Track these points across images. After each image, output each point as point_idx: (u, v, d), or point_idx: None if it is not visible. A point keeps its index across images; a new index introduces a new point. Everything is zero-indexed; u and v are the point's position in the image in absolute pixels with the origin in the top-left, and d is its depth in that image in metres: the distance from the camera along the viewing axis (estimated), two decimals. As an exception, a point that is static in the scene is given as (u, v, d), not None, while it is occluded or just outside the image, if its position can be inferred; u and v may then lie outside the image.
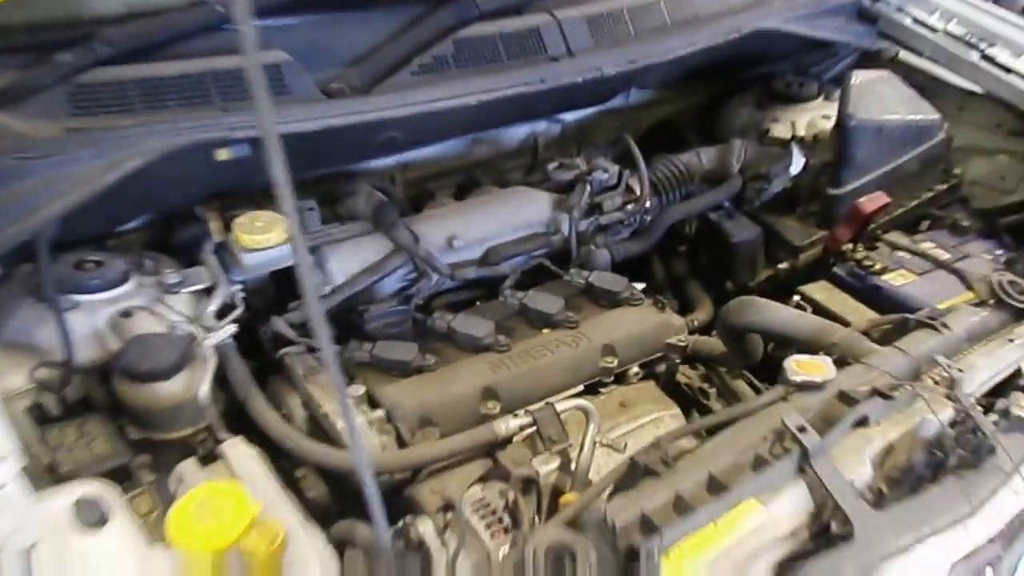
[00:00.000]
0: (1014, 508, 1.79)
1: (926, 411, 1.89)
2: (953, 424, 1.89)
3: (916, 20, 3.21)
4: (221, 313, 2.02)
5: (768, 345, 2.33)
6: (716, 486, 1.67)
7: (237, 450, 1.67)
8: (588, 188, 2.55)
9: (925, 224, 2.89)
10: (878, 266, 2.56)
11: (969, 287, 2.48)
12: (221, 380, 1.89)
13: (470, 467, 1.78)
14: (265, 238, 2.09)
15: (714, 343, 2.27)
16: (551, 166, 2.61)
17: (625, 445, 1.86)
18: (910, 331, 2.19)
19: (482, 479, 1.77)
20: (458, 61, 2.38)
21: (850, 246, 2.68)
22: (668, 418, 2.05)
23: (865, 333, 2.26)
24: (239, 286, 2.13)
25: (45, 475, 1.59)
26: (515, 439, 1.83)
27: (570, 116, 2.91)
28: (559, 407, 1.87)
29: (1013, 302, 2.29)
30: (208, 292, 2.07)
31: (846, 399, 1.88)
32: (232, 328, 1.92)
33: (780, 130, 3.04)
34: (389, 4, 2.37)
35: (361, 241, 2.29)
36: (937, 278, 2.53)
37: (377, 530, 1.31)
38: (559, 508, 1.76)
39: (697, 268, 2.89)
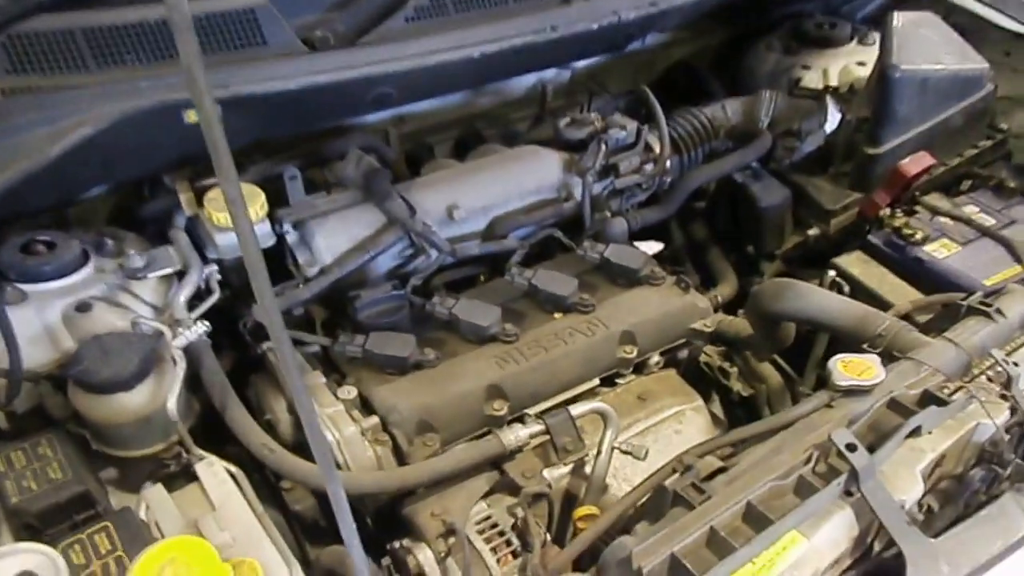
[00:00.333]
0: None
1: (981, 415, 1.70)
2: (1009, 428, 1.71)
3: (958, -50, 2.89)
4: (194, 300, 1.80)
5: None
6: (756, 517, 1.48)
7: (211, 471, 1.47)
8: (603, 147, 2.29)
9: (967, 184, 2.64)
10: (919, 235, 2.33)
11: (1017, 259, 2.29)
12: (195, 380, 1.67)
13: (475, 483, 1.59)
14: (243, 213, 1.85)
15: (740, 324, 2.06)
16: (562, 122, 2.36)
17: (646, 453, 1.67)
18: (959, 317, 1.98)
19: (489, 492, 1.58)
20: (458, 5, 2.11)
21: (887, 211, 2.44)
22: (690, 412, 1.86)
23: (908, 316, 2.07)
24: (214, 267, 1.90)
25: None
26: (525, 448, 1.63)
27: (581, 62, 2.63)
28: (574, 411, 1.67)
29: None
30: (179, 276, 1.84)
31: (898, 408, 1.68)
32: (205, 327, 1.69)
33: (811, 79, 2.76)
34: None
35: (351, 214, 2.05)
36: (982, 249, 2.33)
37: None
38: (572, 521, 1.59)
39: (716, 229, 2.65)
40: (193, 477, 1.47)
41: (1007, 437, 1.68)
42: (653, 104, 2.46)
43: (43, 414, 1.61)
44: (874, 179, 2.51)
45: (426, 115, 2.42)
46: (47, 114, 1.67)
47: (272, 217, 1.96)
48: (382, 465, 1.64)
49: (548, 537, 1.52)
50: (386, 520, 1.63)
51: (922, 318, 2.09)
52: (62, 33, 1.74)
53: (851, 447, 1.53)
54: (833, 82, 2.77)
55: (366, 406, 1.74)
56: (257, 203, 1.92)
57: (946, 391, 1.74)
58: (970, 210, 2.47)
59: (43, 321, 1.65)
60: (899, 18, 2.54)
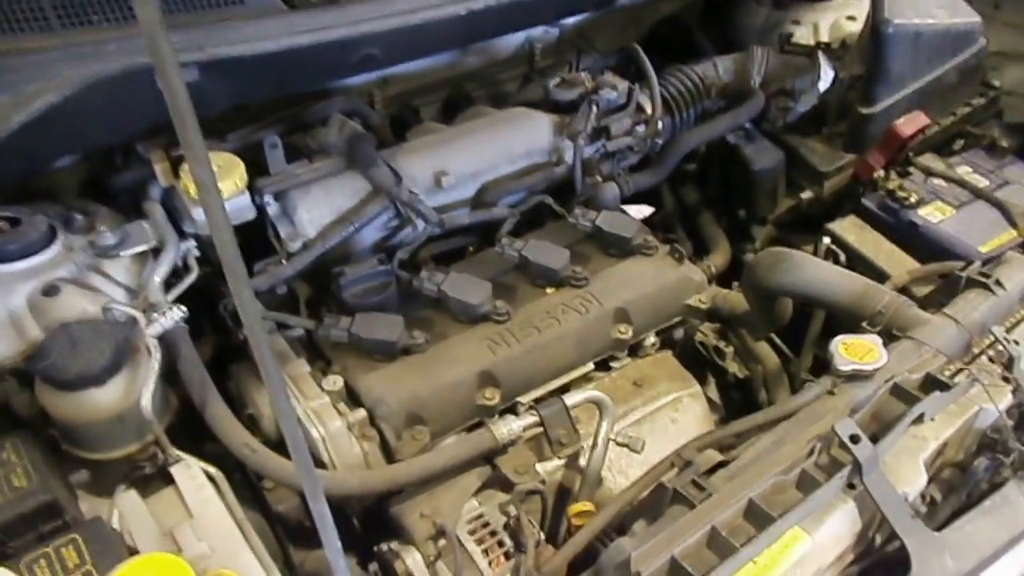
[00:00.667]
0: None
1: (983, 399, 1.57)
2: (1010, 411, 1.58)
3: None
4: (171, 279, 1.61)
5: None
6: (757, 515, 1.34)
7: (188, 475, 1.31)
8: (594, 109, 2.09)
9: (959, 143, 2.47)
10: (913, 198, 2.17)
11: (1012, 223, 2.15)
12: (171, 371, 1.49)
13: (466, 479, 1.44)
14: (222, 187, 1.65)
15: (735, 300, 1.89)
16: (552, 83, 2.15)
17: (642, 445, 1.51)
18: (958, 289, 1.83)
19: (480, 489, 1.43)
20: (444, -40, 1.88)
21: (881, 173, 2.27)
22: (687, 398, 1.70)
23: (905, 289, 1.91)
24: (192, 243, 1.71)
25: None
26: (518, 441, 1.48)
27: (569, 19, 2.40)
28: (569, 401, 1.51)
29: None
30: (154, 253, 1.65)
31: (901, 394, 1.54)
32: (181, 312, 1.51)
33: (802, 34, 2.55)
34: None
35: (334, 183, 1.84)
36: (977, 212, 2.18)
37: None
38: (566, 518, 1.45)
39: (708, 191, 2.47)
40: (169, 479, 1.31)
41: (1010, 423, 1.55)
42: (644, 62, 2.26)
43: (8, 413, 1.42)
44: (868, 139, 2.34)
45: (412, 77, 2.19)
46: (8, 79, 1.48)
47: (252, 188, 1.77)
48: (369, 462, 1.48)
49: (542, 536, 1.37)
50: (374, 520, 1.48)
51: (919, 289, 1.95)
52: (24, -10, 1.53)
53: (854, 438, 1.40)
54: (824, 38, 2.57)
55: (352, 397, 1.57)
56: (236, 174, 1.72)
57: (948, 373, 1.62)
58: (963, 171, 2.32)
59: (6, 307, 1.46)
60: (888, -30, 2.33)
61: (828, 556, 1.37)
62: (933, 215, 2.16)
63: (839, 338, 1.60)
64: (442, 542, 1.33)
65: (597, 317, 1.76)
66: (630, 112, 2.17)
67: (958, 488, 1.54)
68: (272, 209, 1.79)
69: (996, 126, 2.51)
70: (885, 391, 1.54)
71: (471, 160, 1.99)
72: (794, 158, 2.37)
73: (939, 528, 1.42)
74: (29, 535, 1.22)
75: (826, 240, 2.12)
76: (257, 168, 1.79)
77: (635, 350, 1.85)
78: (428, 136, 2.05)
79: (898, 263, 2.06)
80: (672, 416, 1.68)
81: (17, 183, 1.71)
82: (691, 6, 2.71)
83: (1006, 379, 1.63)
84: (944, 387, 1.55)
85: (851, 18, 2.54)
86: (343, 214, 1.82)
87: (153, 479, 1.34)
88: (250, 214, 1.74)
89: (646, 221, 2.06)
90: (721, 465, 1.42)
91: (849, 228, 2.17)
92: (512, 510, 1.37)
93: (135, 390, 1.39)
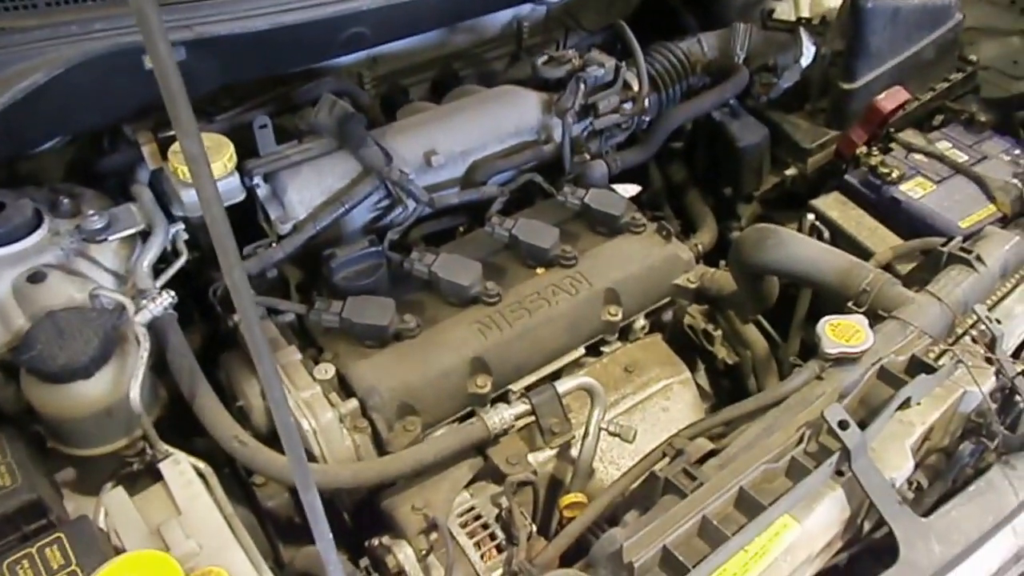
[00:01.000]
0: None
1: (967, 381, 1.48)
2: (993, 393, 1.50)
3: None
4: (159, 264, 1.48)
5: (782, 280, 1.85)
6: (748, 503, 1.25)
7: (177, 471, 1.20)
8: (582, 86, 1.95)
9: (939, 119, 2.34)
10: (895, 173, 2.05)
11: (991, 198, 2.03)
12: (160, 361, 1.37)
13: (457, 471, 1.33)
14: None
15: (723, 280, 1.78)
16: (540, 60, 2.00)
17: (634, 434, 1.41)
18: (940, 265, 1.73)
19: (472, 480, 1.33)
20: (432, -64, 1.73)
21: (863, 149, 2.15)
22: (677, 385, 1.60)
23: (889, 266, 1.81)
24: (181, 226, 1.57)
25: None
26: (510, 431, 1.37)
27: (555, -3, 2.25)
28: (560, 388, 1.40)
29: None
30: (142, 237, 1.52)
31: (887, 378, 1.44)
32: (170, 297, 1.38)
33: (783, 10, 2.40)
34: None
35: (324, 163, 1.70)
36: (957, 187, 2.06)
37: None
38: (558, 509, 1.36)
39: (694, 169, 2.34)
40: (158, 476, 1.19)
41: (993, 406, 1.46)
42: (630, 39, 2.11)
43: (-8, 407, 1.30)
44: (850, 115, 2.21)
45: (401, 56, 2.04)
46: (-8, 59, 1.34)
47: (242, 169, 1.63)
48: (360, 454, 1.37)
49: (534, 528, 1.27)
50: (364, 514, 1.38)
51: (903, 266, 1.85)
52: (6, -32, 1.39)
53: (843, 424, 1.30)
54: (805, 13, 2.43)
55: (344, 386, 1.45)
56: (225, 155, 1.59)
57: (932, 355, 1.52)
58: (943, 146, 2.20)
59: (-10, 294, 1.33)
60: (864, -55, 2.19)
61: (818, 543, 1.29)
62: (915, 191, 2.04)
63: (825, 319, 1.50)
64: (434, 535, 1.23)
65: (587, 298, 1.65)
66: (617, 89, 2.02)
67: (944, 473, 1.46)
68: (262, 191, 1.66)
69: (974, 101, 2.38)
70: (872, 375, 1.45)
71: (460, 139, 1.85)
72: (778, 134, 2.24)
73: (926, 514, 1.34)
74: (12, 535, 1.12)
75: (810, 217, 2.00)
76: (246, 150, 1.66)
77: (625, 334, 1.74)
78: (417, 115, 1.91)
79: (881, 239, 1.95)
80: (663, 404, 1.58)
81: (2, 166, 1.58)
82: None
83: (989, 360, 1.54)
84: (929, 370, 1.46)
85: (830, -7, 2.41)
86: (333, 194, 1.69)
87: (141, 476, 1.23)
88: (239, 195, 1.61)
89: (634, 200, 1.93)
90: (712, 454, 1.32)
91: (832, 205, 2.05)
92: (504, 502, 1.27)
93: (124, 382, 1.27)
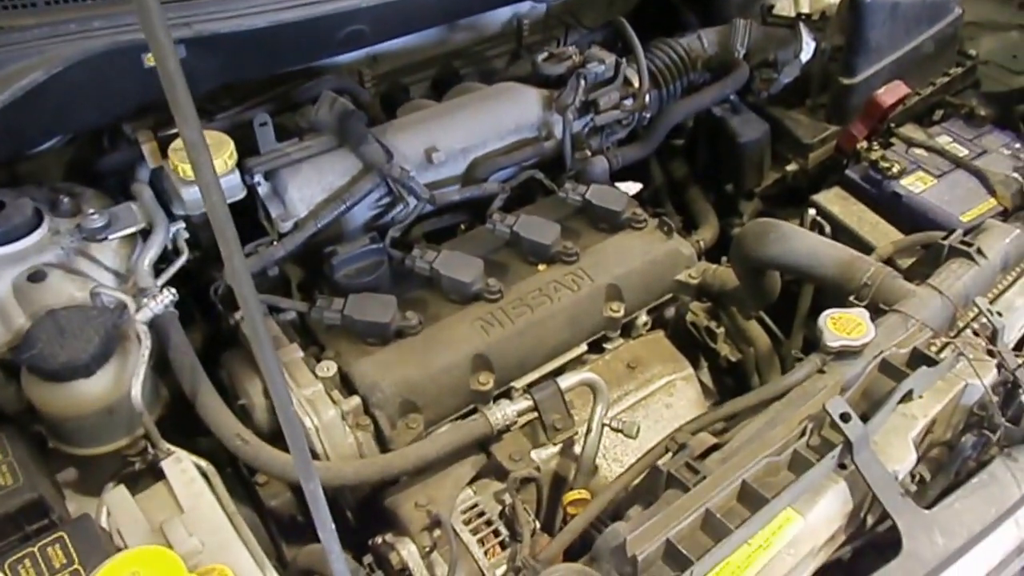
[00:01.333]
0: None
1: (969, 374, 1.48)
2: (995, 387, 1.49)
3: None
4: (160, 264, 1.48)
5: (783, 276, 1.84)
6: (751, 496, 1.25)
7: (179, 469, 1.20)
8: (582, 83, 1.94)
9: (939, 113, 2.33)
10: (895, 168, 2.05)
11: (991, 191, 2.04)
12: (162, 360, 1.37)
13: (460, 468, 1.32)
14: (210, 167, 1.51)
15: (725, 275, 1.78)
16: (540, 57, 2.00)
17: (637, 430, 1.40)
18: (941, 258, 1.73)
19: (475, 477, 1.32)
20: (431, -67, 1.73)
21: (864, 144, 2.14)
22: (680, 382, 1.59)
23: (890, 260, 1.81)
24: (181, 224, 1.57)
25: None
26: (513, 427, 1.37)
27: (555, -7, 2.24)
28: (563, 384, 1.40)
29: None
30: (143, 236, 1.52)
31: (889, 370, 1.44)
32: (171, 295, 1.38)
33: (783, 6, 2.40)
34: None
35: (324, 161, 1.70)
36: (957, 181, 2.06)
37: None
38: (561, 505, 1.35)
39: (695, 166, 2.33)
40: (160, 475, 1.19)
41: (995, 399, 1.45)
42: (630, 35, 2.10)
43: (-7, 406, 1.30)
44: (850, 110, 2.20)
45: (401, 54, 2.04)
46: (-8, 57, 1.34)
47: (242, 167, 1.63)
48: (363, 452, 1.37)
49: (537, 525, 1.27)
50: (367, 512, 1.37)
51: (903, 260, 1.84)
52: (5, -33, 1.39)
53: (845, 416, 1.30)
54: (805, 9, 2.44)
55: (346, 383, 1.45)
56: (225, 152, 1.58)
57: (934, 348, 1.52)
58: (943, 140, 2.20)
59: (-9, 294, 1.33)
60: (863, -59, 2.18)
61: (821, 536, 1.28)
62: (915, 185, 2.04)
63: (827, 312, 1.49)
64: (437, 532, 1.22)
65: (589, 294, 1.64)
66: (618, 85, 2.02)
67: (946, 466, 1.45)
68: (262, 189, 1.66)
69: (974, 95, 2.38)
70: (874, 368, 1.44)
71: (461, 136, 1.85)
72: (779, 130, 2.23)
73: (929, 506, 1.33)
74: (14, 535, 1.12)
75: (811, 212, 2.00)
76: (246, 149, 1.66)
77: (627, 330, 1.74)
78: (417, 113, 1.90)
79: (882, 234, 1.95)
80: (666, 401, 1.57)
81: (2, 165, 1.58)
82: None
83: (990, 353, 1.53)
84: (931, 362, 1.45)
85: (830, -12, 2.41)
86: (334, 192, 1.68)
87: (143, 475, 1.22)
88: (239, 193, 1.60)
89: (635, 197, 1.93)
90: (714, 448, 1.32)
91: (833, 199, 2.05)
92: (507, 498, 1.27)
93: (125, 380, 1.27)
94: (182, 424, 1.34)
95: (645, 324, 1.75)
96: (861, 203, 2.04)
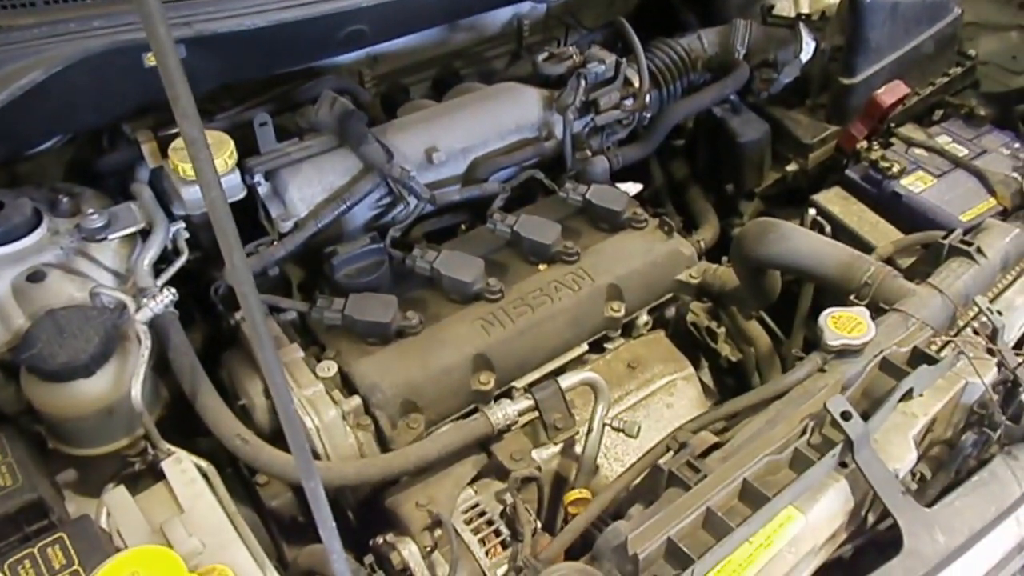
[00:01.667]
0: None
1: (969, 372, 1.48)
2: (996, 386, 1.49)
3: None
4: (160, 264, 1.48)
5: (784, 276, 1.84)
6: (752, 495, 1.25)
7: (179, 469, 1.20)
8: (583, 83, 1.94)
9: (939, 113, 2.34)
10: (895, 168, 2.05)
11: (991, 191, 2.04)
12: (161, 360, 1.36)
13: (461, 468, 1.32)
14: (209, 165, 1.51)
15: (726, 275, 1.78)
16: (540, 57, 2.00)
17: (638, 429, 1.40)
18: (941, 258, 1.73)
19: (476, 477, 1.32)
20: (431, -67, 1.73)
21: (864, 144, 2.15)
22: (681, 382, 1.60)
23: (890, 260, 1.81)
24: (181, 224, 1.57)
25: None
26: (514, 427, 1.36)
27: (555, -6, 2.24)
28: (564, 383, 1.39)
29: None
30: (143, 236, 1.52)
31: (890, 369, 1.44)
32: (172, 295, 1.38)
33: (783, 6, 2.40)
34: None
35: (325, 161, 1.70)
36: (957, 181, 2.07)
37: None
38: (563, 505, 1.35)
39: (696, 166, 2.33)
40: (160, 476, 1.19)
41: (995, 397, 1.45)
42: (630, 35, 2.10)
43: (-8, 407, 1.30)
44: (850, 110, 2.20)
45: (401, 55, 2.04)
46: (-9, 57, 1.34)
47: (242, 167, 1.63)
48: (364, 452, 1.37)
49: (538, 524, 1.27)
50: (368, 512, 1.37)
51: (903, 260, 1.84)
52: (7, -34, 1.39)
53: (846, 415, 1.30)
54: (804, 9, 2.44)
55: (346, 383, 1.45)
56: (225, 152, 1.58)
57: (934, 346, 1.52)
58: (943, 140, 2.20)
59: (-10, 294, 1.33)
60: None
61: (822, 535, 1.28)
62: (915, 185, 2.04)
63: (827, 311, 1.49)
64: (438, 532, 1.22)
65: (589, 294, 1.64)
66: (618, 85, 2.02)
67: (947, 464, 1.45)
68: (263, 189, 1.66)
69: (973, 95, 2.38)
70: (874, 366, 1.44)
71: (461, 136, 1.85)
72: (779, 130, 2.24)
73: (929, 505, 1.33)
74: (13, 536, 1.11)
75: (811, 212, 2.00)
76: (247, 149, 1.66)
77: (628, 330, 1.74)
78: (418, 112, 1.90)
79: (882, 233, 1.95)
80: (667, 400, 1.58)
81: (1, 165, 1.58)
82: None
83: (991, 351, 1.53)
84: (932, 361, 1.45)
85: (830, -11, 2.41)
86: (335, 192, 1.68)
87: (143, 476, 1.22)
88: (239, 193, 1.60)
89: (636, 197, 1.93)
90: (716, 447, 1.32)
91: (833, 199, 2.05)
92: (508, 498, 1.27)
93: (125, 380, 1.27)
94: (182, 424, 1.34)
95: (646, 324, 1.75)
96: (861, 203, 2.04)
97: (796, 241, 1.69)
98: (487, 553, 1.21)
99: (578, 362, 1.65)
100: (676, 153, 2.35)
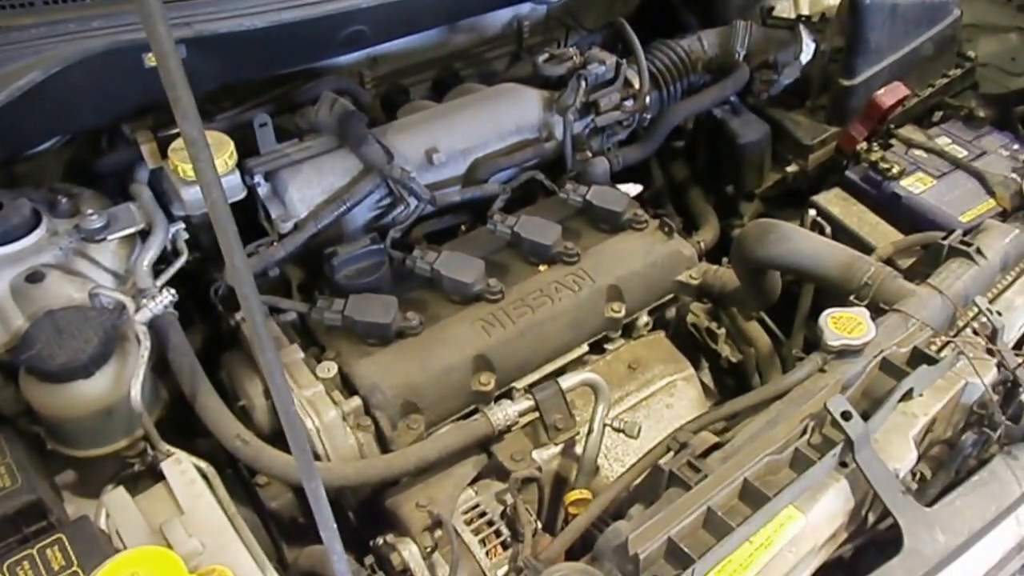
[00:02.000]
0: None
1: (969, 373, 1.48)
2: (996, 386, 1.50)
3: None
4: (159, 265, 1.48)
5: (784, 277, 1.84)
6: (752, 495, 1.25)
7: (179, 470, 1.20)
8: (583, 84, 1.95)
9: (938, 115, 2.34)
10: (895, 169, 2.06)
11: (990, 192, 2.05)
12: (161, 361, 1.36)
13: (461, 468, 1.32)
14: (208, 165, 1.51)
15: (726, 276, 1.78)
16: (541, 58, 2.00)
17: (638, 430, 1.40)
18: (940, 259, 1.73)
19: (476, 478, 1.32)
20: (431, -66, 1.73)
21: (864, 145, 2.15)
22: (681, 382, 1.60)
23: (890, 261, 1.81)
24: (181, 225, 1.57)
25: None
26: (514, 427, 1.37)
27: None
28: (564, 384, 1.40)
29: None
30: (142, 237, 1.52)
31: (890, 369, 1.44)
32: (171, 295, 1.38)
33: (783, 8, 2.42)
34: None
35: (325, 162, 1.70)
36: (956, 182, 2.07)
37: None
38: (563, 506, 1.35)
39: (696, 167, 2.34)
40: (160, 477, 1.18)
41: (995, 397, 1.46)
42: (630, 36, 2.11)
43: (-9, 408, 1.30)
44: (850, 112, 2.21)
45: (401, 55, 2.05)
46: (-11, 57, 1.34)
47: (242, 168, 1.63)
48: (364, 453, 1.37)
49: (539, 525, 1.27)
50: (368, 513, 1.37)
51: (903, 260, 1.85)
52: (6, -34, 1.39)
53: (846, 415, 1.30)
54: (804, 10, 2.46)
55: (347, 384, 1.45)
56: (225, 152, 1.58)
57: (934, 347, 1.52)
58: (943, 141, 2.21)
59: (-11, 295, 1.33)
60: (863, -57, 2.19)
61: (822, 534, 1.28)
62: (915, 186, 2.05)
63: (828, 312, 1.50)
64: (438, 533, 1.22)
65: (590, 295, 1.65)
66: (618, 87, 2.03)
67: (947, 464, 1.46)
68: (263, 190, 1.66)
69: (973, 97, 2.39)
70: (875, 366, 1.45)
71: (461, 136, 1.85)
72: (779, 132, 2.24)
73: (929, 504, 1.34)
74: (12, 537, 1.11)
75: (812, 213, 2.01)
76: (246, 150, 1.66)
77: (628, 331, 1.74)
78: (418, 113, 1.91)
79: (882, 234, 1.96)
80: (667, 401, 1.58)
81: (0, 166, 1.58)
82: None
83: (990, 351, 1.54)
84: (931, 361, 1.46)
85: (830, -10, 2.42)
86: (335, 193, 1.68)
87: (142, 477, 1.22)
88: (239, 193, 1.61)
89: (636, 198, 1.94)
90: (716, 447, 1.32)
91: (833, 200, 2.06)
92: (509, 499, 1.27)
93: (124, 381, 1.27)
94: (182, 425, 1.34)
95: (646, 325, 1.75)
96: (861, 204, 2.05)
97: (796, 242, 1.70)
98: (488, 554, 1.21)
99: (578, 363, 1.66)
100: (676, 154, 2.36)
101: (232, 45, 1.55)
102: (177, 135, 1.60)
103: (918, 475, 1.45)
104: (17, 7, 1.50)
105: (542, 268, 1.70)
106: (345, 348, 1.48)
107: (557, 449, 1.42)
